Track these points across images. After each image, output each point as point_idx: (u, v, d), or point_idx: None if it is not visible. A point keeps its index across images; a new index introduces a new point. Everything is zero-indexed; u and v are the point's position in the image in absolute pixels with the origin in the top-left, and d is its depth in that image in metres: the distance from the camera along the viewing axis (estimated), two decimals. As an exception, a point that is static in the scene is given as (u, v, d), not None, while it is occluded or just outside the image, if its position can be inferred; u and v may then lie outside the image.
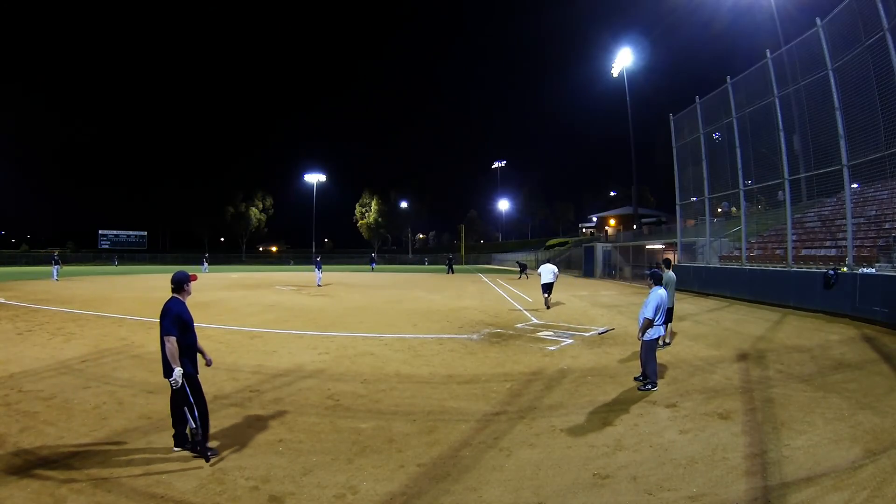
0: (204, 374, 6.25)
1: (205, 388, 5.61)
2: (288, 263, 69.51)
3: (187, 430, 3.84)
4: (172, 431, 3.98)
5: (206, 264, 41.71)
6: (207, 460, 3.68)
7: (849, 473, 3.50)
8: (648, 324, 5.65)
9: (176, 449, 3.88)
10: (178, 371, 3.76)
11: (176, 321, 3.92)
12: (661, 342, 7.68)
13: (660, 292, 5.80)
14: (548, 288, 13.73)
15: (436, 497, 3.23)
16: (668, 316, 7.48)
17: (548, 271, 13.89)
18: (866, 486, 3.31)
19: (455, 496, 3.25)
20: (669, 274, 8.19)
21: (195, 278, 4.36)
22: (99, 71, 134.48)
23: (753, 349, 8.01)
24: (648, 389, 5.64)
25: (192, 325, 4.11)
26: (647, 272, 6.32)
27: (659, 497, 3.21)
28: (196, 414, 3.76)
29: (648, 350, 5.74)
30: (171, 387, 3.76)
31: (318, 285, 22.19)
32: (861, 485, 3.33)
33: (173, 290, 4.16)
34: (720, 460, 3.74)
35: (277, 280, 27.92)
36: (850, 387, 5.73)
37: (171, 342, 3.82)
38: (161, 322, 3.90)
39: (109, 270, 42.59)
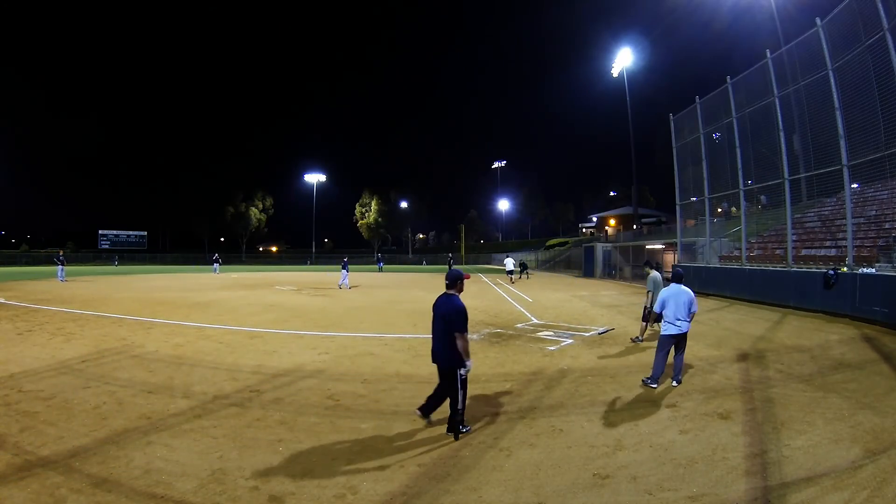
0: (203, 374, 6.28)
1: (204, 389, 5.64)
2: (305, 263, 69.01)
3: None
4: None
5: (217, 265, 38.33)
6: (457, 437, 4.20)
7: (849, 473, 3.50)
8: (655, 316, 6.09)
9: (449, 433, 4.26)
10: (470, 363, 4.27)
11: (465, 319, 4.32)
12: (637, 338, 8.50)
13: (673, 290, 5.90)
14: (510, 273, 26.85)
15: (436, 497, 3.23)
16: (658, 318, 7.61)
17: (510, 263, 27.45)
18: (866, 486, 3.31)
19: (455, 496, 3.25)
20: (654, 275, 8.49)
21: (468, 277, 4.68)
22: (100, 71, 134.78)
23: (753, 349, 8.01)
24: (646, 384, 5.74)
25: None
26: (671, 273, 6.51)
27: (659, 497, 3.21)
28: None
29: (658, 348, 5.89)
30: (460, 377, 4.23)
31: (341, 286, 20.68)
32: (861, 485, 3.33)
33: (448, 287, 4.51)
34: (720, 460, 3.74)
35: (278, 280, 27.92)
36: (850, 387, 5.73)
37: (466, 338, 4.27)
38: (452, 319, 4.27)
39: (109, 270, 42.59)
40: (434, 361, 4.46)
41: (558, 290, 20.60)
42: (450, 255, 45.03)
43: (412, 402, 5.28)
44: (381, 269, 44.21)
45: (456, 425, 4.24)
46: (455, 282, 4.50)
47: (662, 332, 5.85)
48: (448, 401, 4.36)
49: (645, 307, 8.65)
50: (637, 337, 8.76)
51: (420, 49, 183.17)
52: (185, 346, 7.98)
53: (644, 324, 8.77)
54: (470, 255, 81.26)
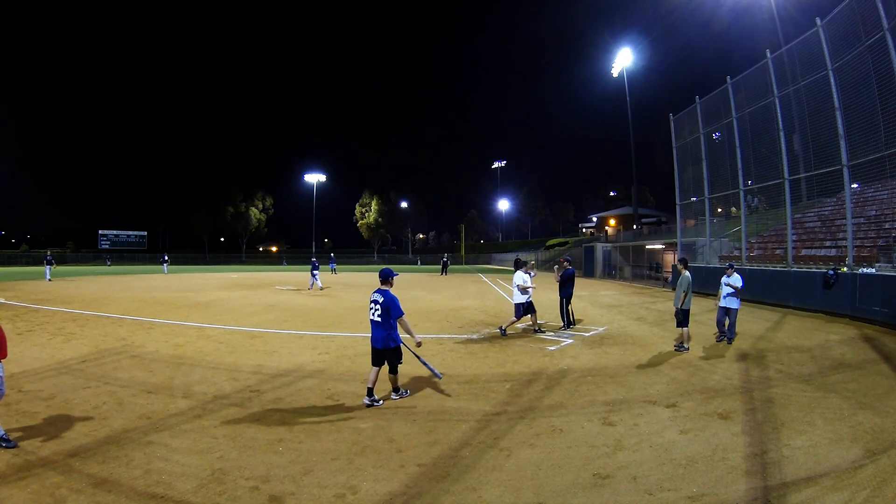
0: (203, 374, 6.28)
1: (204, 389, 5.64)
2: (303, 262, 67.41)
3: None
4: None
5: (165, 266, 36.67)
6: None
7: (849, 473, 3.50)
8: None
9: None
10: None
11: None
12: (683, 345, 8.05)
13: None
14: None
15: (436, 497, 3.23)
16: (685, 319, 7.97)
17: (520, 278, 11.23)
18: (866, 486, 3.31)
19: (455, 496, 3.24)
20: (688, 274, 8.09)
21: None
22: (100, 71, 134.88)
23: (753, 349, 8.01)
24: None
25: None
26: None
27: (659, 497, 3.21)
28: None
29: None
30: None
31: (320, 287, 20.52)
32: (861, 485, 3.33)
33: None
34: (720, 460, 3.74)
35: (278, 280, 27.92)
36: (850, 387, 5.74)
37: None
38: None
39: (105, 270, 42.58)
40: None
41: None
42: (444, 256, 44.56)
43: (412, 402, 5.28)
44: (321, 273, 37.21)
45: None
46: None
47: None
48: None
49: (677, 310, 7.98)
50: (682, 345, 7.94)
51: (420, 49, 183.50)
52: (185, 346, 7.98)
53: (685, 330, 7.95)
54: (470, 255, 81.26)
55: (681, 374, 6.44)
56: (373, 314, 5.16)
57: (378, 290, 5.23)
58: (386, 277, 5.33)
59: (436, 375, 5.73)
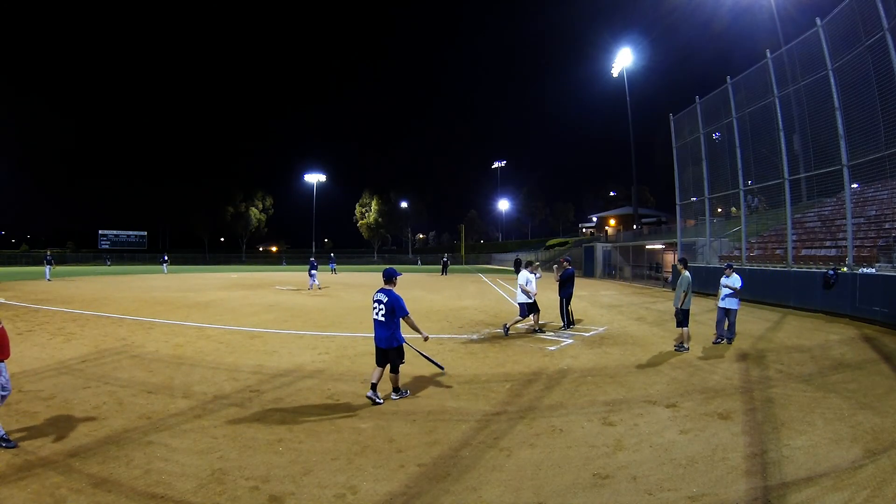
0: (203, 374, 6.28)
1: (204, 389, 5.64)
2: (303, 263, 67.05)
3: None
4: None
5: (165, 266, 37.52)
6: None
7: (849, 473, 3.50)
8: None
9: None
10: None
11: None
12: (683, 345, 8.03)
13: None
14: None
15: (436, 497, 3.23)
16: (685, 319, 7.98)
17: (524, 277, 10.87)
18: (866, 486, 3.31)
19: (455, 496, 3.25)
20: (688, 275, 8.13)
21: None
22: (100, 71, 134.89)
23: (753, 349, 8.01)
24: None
25: None
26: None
27: (659, 497, 3.21)
28: None
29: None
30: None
31: (318, 287, 20.74)
32: (861, 485, 3.33)
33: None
34: (720, 460, 3.74)
35: (277, 280, 27.92)
36: (850, 387, 5.74)
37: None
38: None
39: (105, 270, 42.58)
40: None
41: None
42: (444, 256, 44.48)
43: (412, 402, 5.28)
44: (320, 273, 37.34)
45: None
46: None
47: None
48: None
49: (677, 310, 8.03)
50: (682, 345, 7.94)
51: (420, 49, 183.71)
52: (185, 346, 7.98)
53: (685, 330, 7.98)
54: (470, 255, 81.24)
55: (681, 374, 6.44)
56: (376, 314, 5.16)
57: (382, 290, 5.24)
58: (390, 277, 5.36)
59: (440, 369, 6.17)
